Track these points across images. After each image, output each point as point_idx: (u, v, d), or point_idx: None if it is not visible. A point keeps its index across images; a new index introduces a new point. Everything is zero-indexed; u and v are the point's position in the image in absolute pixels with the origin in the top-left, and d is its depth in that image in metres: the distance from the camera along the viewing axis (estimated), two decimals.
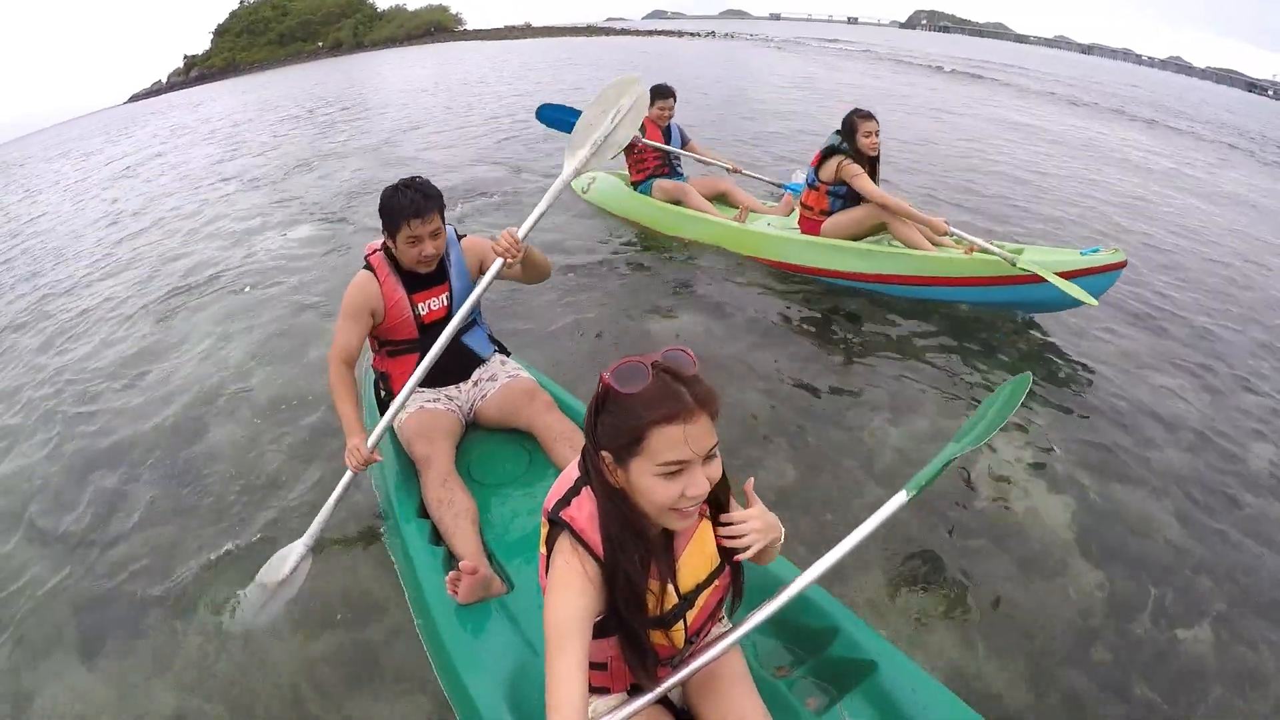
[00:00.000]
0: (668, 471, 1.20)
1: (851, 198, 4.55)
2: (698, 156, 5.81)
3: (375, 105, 17.99)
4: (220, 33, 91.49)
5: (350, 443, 2.37)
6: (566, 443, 2.49)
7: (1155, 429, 3.45)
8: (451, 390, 2.73)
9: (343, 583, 2.57)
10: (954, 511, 2.83)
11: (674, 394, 1.19)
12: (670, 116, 5.79)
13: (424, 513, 2.38)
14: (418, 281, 2.59)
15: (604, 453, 1.26)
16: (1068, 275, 3.85)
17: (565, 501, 1.35)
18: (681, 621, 1.42)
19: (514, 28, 77.55)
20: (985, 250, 4.07)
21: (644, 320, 4.45)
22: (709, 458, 1.23)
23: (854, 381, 3.75)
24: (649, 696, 1.47)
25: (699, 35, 52.14)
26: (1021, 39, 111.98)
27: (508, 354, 2.94)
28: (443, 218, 2.53)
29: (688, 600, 1.42)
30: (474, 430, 2.78)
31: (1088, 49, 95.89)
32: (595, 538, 1.30)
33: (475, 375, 2.78)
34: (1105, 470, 3.11)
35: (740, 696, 1.52)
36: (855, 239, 4.65)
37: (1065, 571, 2.59)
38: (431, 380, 2.65)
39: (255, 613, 2.39)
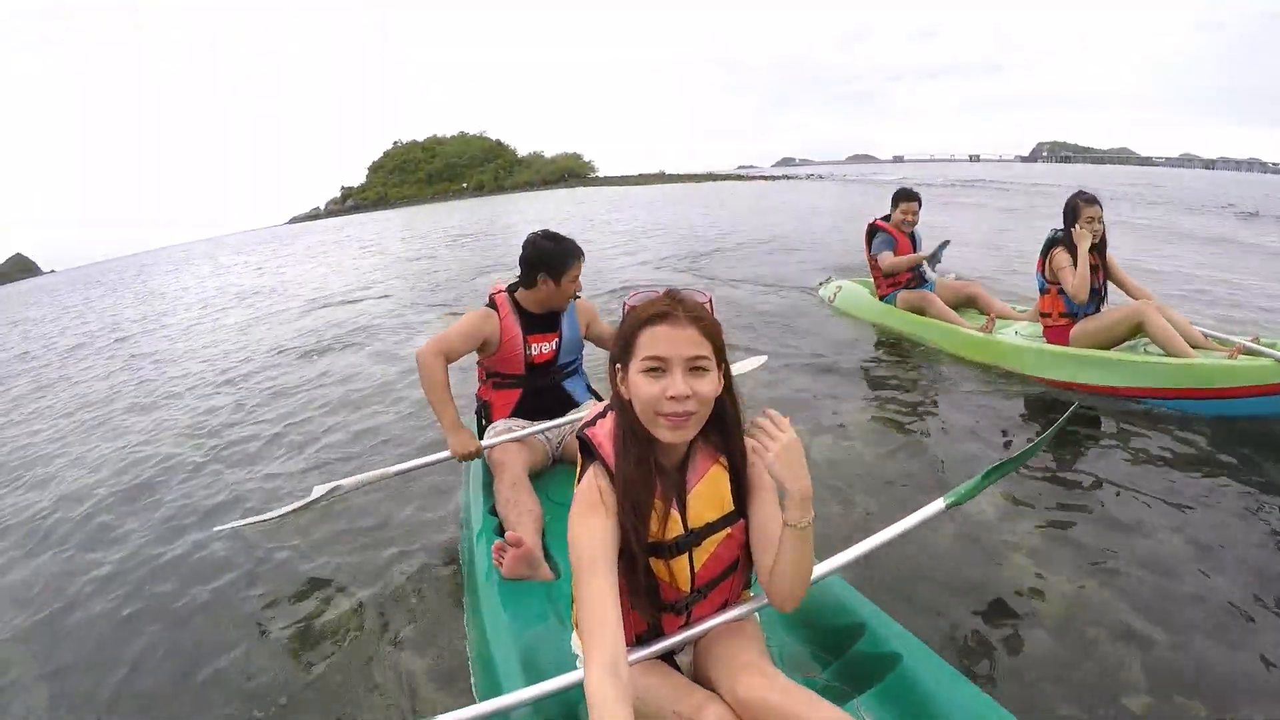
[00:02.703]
0: (650, 368, 1.32)
1: (1092, 292, 4.13)
2: (927, 259, 5.55)
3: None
4: (375, 169, 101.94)
5: (459, 435, 2.65)
6: None
7: None
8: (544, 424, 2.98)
9: (411, 553, 3.05)
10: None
11: (667, 304, 1.34)
12: (915, 221, 5.64)
13: (496, 512, 2.57)
14: (534, 323, 2.93)
15: (617, 365, 1.41)
16: None
17: (591, 423, 1.48)
18: (687, 558, 1.46)
19: (647, 175, 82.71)
20: (1253, 352, 3.53)
21: (853, 420, 4.15)
22: (696, 369, 1.32)
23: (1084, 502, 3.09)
24: (658, 646, 1.51)
25: (810, 178, 56.43)
26: (1146, 161, 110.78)
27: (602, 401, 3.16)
28: None
29: (695, 536, 1.45)
30: (560, 464, 3.01)
31: (1211, 163, 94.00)
32: (609, 450, 1.41)
33: (569, 416, 3.02)
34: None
35: (752, 658, 1.46)
36: (1110, 345, 4.13)
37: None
38: (529, 414, 2.98)
39: (275, 518, 2.79)
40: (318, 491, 2.66)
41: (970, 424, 3.95)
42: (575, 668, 1.66)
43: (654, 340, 1.32)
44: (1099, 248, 4.12)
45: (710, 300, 1.40)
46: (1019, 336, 4.78)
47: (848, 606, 1.89)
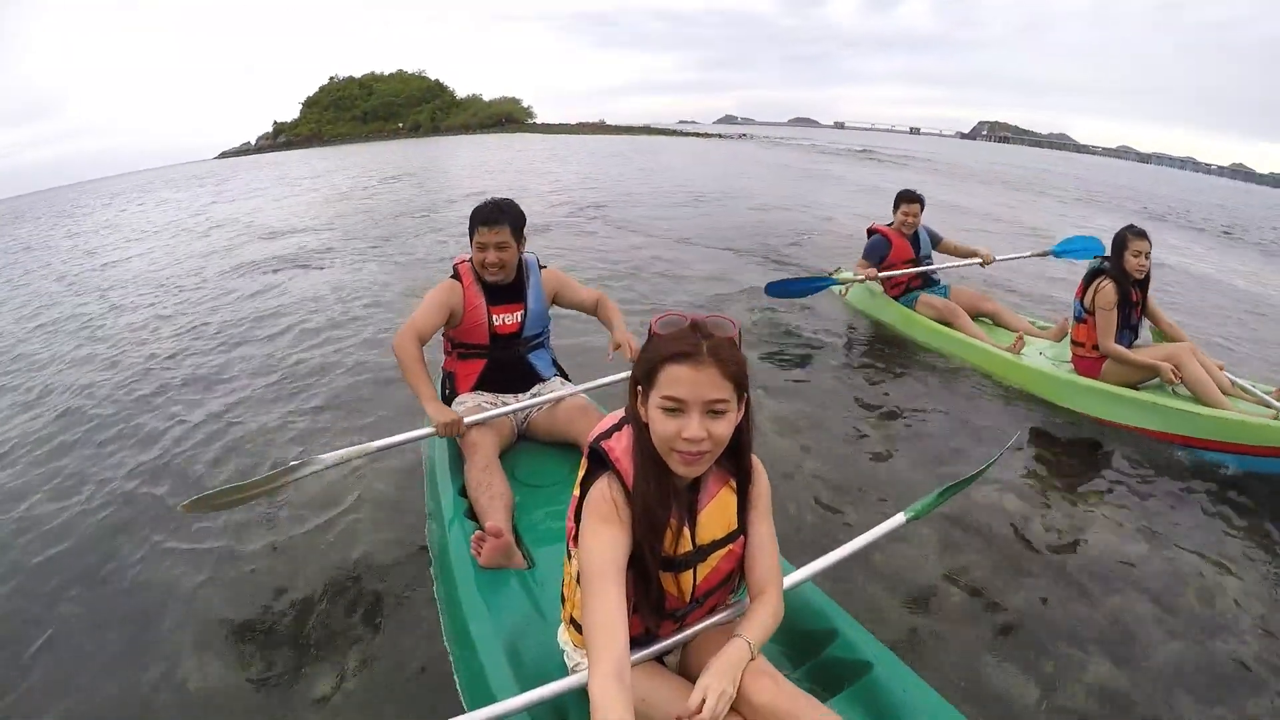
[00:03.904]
0: (668, 407, 1.34)
1: (1129, 328, 4.10)
2: (952, 261, 5.51)
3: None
4: (309, 104, 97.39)
5: (440, 410, 2.63)
6: None
7: None
8: (509, 398, 2.97)
9: (378, 537, 2.99)
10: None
11: (692, 341, 1.34)
12: (916, 223, 5.44)
13: (466, 494, 2.55)
14: (498, 295, 2.89)
15: (638, 386, 1.42)
16: None
17: (606, 435, 1.49)
18: (692, 572, 1.52)
19: (587, 124, 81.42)
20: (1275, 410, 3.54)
21: (870, 433, 4.08)
22: (713, 413, 1.34)
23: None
24: (654, 649, 1.57)
25: (740, 138, 58.55)
26: (1083, 149, 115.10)
27: (566, 378, 3.17)
28: (516, 237, 2.82)
29: (701, 552, 1.51)
30: (525, 441, 2.98)
31: (1147, 158, 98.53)
32: (627, 466, 1.43)
33: (534, 390, 3.02)
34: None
35: (758, 663, 1.49)
36: (1139, 382, 4.08)
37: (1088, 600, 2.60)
38: (493, 385, 2.95)
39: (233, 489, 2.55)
40: (291, 465, 2.56)
41: (979, 438, 3.97)
42: (563, 662, 1.71)
43: (674, 380, 1.33)
44: (1143, 283, 4.10)
45: (739, 332, 1.40)
46: (1047, 360, 4.67)
47: (822, 613, 1.96)
